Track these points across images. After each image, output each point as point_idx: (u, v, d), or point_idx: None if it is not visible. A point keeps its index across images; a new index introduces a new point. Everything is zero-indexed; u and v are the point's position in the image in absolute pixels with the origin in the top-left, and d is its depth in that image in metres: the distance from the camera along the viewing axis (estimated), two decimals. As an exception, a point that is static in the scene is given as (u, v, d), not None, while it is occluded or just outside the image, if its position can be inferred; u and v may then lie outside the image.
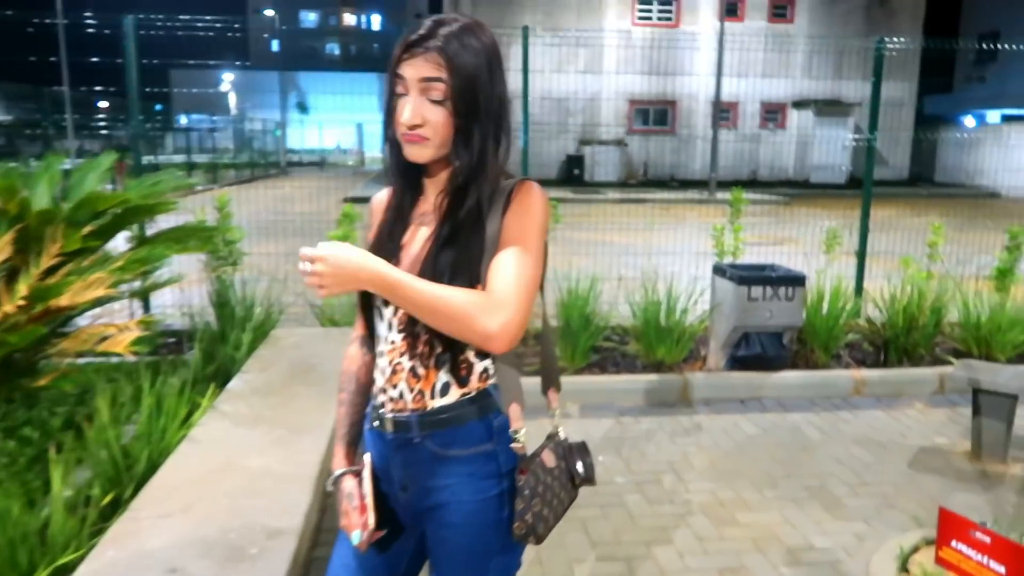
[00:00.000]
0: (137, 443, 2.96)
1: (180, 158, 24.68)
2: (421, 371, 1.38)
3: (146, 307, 5.52)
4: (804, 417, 4.41)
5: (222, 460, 2.66)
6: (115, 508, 2.59)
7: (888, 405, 4.63)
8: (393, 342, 1.41)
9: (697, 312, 5.10)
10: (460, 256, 1.33)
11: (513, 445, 1.39)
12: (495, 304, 1.26)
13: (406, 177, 1.44)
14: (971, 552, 2.64)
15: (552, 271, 5.24)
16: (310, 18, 69.86)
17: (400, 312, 1.38)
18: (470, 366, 1.38)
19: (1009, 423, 3.80)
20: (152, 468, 2.81)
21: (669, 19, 24.96)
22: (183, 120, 29.59)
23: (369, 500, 1.45)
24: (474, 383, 1.39)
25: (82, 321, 4.10)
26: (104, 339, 3.15)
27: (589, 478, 1.49)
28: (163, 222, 4.41)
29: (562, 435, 1.51)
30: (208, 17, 7.24)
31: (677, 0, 24.89)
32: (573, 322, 4.89)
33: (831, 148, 24.44)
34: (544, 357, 1.57)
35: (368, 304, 1.47)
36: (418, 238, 1.41)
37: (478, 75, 1.31)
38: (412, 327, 1.37)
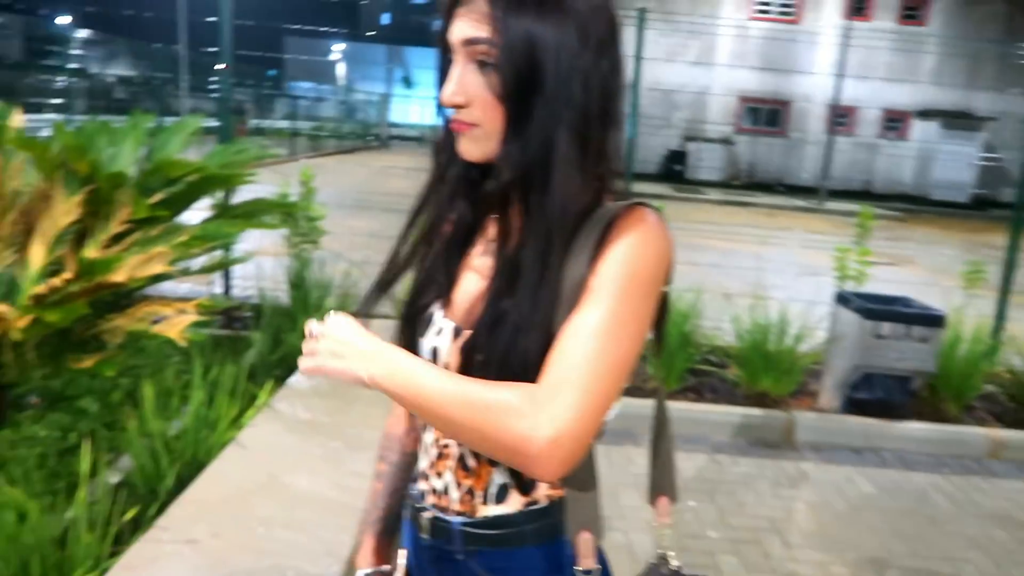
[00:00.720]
0: (183, 438, 2.69)
1: (286, 124, 25.12)
2: (472, 463, 0.97)
3: (226, 278, 5.36)
4: (930, 480, 3.82)
5: (265, 475, 2.36)
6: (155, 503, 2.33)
7: (1031, 474, 3.98)
8: None
9: (810, 341, 4.54)
10: (527, 307, 0.88)
11: None
12: (542, 402, 0.80)
13: (470, 182, 1.00)
14: None
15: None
16: (422, -7, 70.24)
17: (451, 369, 0.96)
18: None
19: None
20: (194, 469, 2.54)
21: (790, 14, 23.66)
22: (291, 87, 30.20)
23: None
24: (542, 491, 0.96)
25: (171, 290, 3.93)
26: (159, 319, 2.90)
27: None
28: (255, 193, 4.17)
29: (673, 564, 1.08)
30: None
31: (801, -5, 23.59)
32: (670, 340, 4.42)
33: (956, 164, 22.73)
34: (657, 451, 1.13)
35: (408, 349, 1.05)
36: (477, 272, 0.99)
37: (546, 35, 0.86)
38: None
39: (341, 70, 46.47)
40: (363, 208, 8.68)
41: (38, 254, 3.06)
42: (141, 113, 4.10)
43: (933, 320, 4.04)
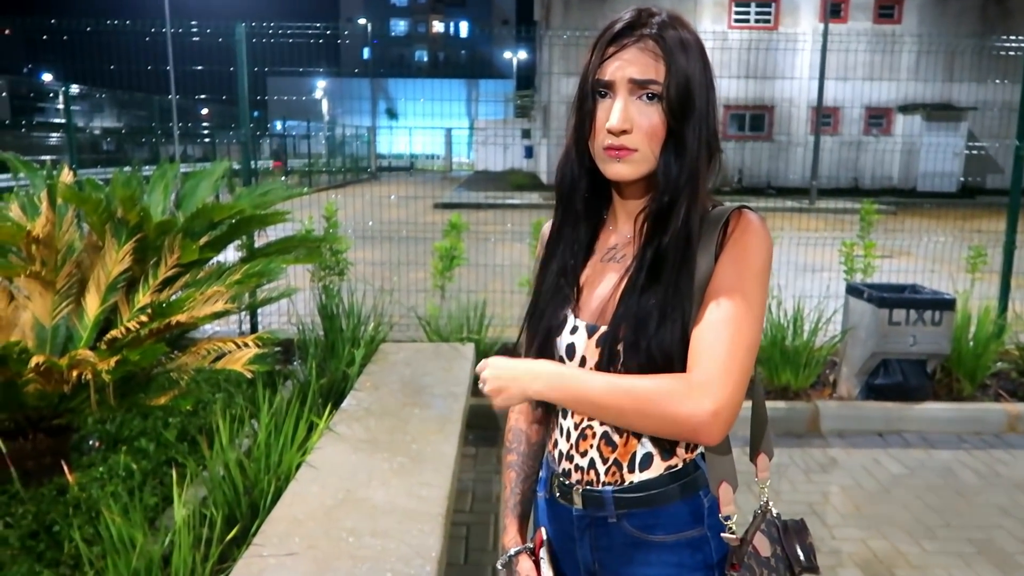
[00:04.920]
0: (254, 465, 2.85)
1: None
2: (617, 438, 1.15)
3: (252, 316, 5.51)
4: (954, 456, 3.99)
5: (343, 491, 2.51)
6: (230, 528, 2.48)
7: (1049, 445, 4.15)
8: None
9: (823, 334, 4.72)
10: (669, 295, 1.07)
11: (725, 535, 1.14)
12: (700, 385, 1.00)
13: (589, 202, 1.20)
14: None
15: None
16: (400, 26, 71.10)
17: (589, 365, 1.15)
18: None
19: None
20: (271, 494, 2.69)
21: (768, 21, 24.14)
22: (278, 126, 30.47)
23: None
24: (680, 454, 1.16)
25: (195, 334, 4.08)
26: (222, 356, 3.06)
27: (812, 567, 1.23)
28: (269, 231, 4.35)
29: (773, 512, 1.26)
30: (314, 25, 7.27)
31: (776, 1, 24.06)
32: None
33: (941, 155, 23.10)
34: (753, 415, 1.32)
35: (544, 352, 1.22)
36: (607, 276, 1.17)
37: (695, 71, 1.08)
38: None
39: (326, 106, 46.91)
40: (366, 239, 8.84)
41: (93, 303, 3.22)
42: (168, 164, 4.29)
43: (944, 304, 4.23)
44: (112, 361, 2.54)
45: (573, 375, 1.08)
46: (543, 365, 1.11)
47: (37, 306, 3.14)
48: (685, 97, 1.06)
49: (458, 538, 3.18)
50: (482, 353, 4.67)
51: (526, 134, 32.58)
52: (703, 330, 1.04)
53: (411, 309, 5.02)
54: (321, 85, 48.57)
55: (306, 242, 4.39)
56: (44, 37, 6.27)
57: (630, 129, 1.07)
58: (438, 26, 72.94)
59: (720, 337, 1.02)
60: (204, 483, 2.82)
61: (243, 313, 5.32)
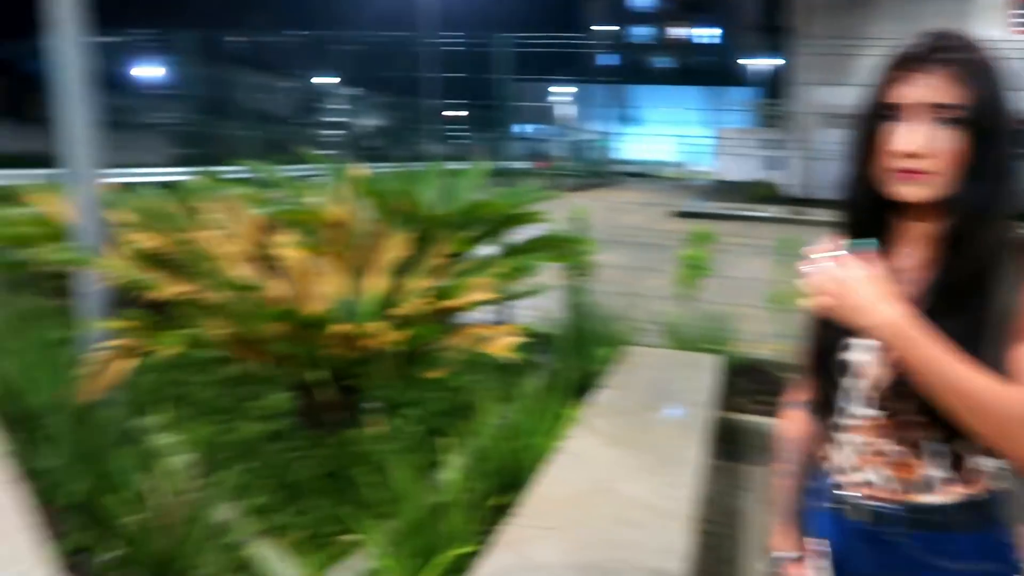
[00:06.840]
0: (509, 444, 3.06)
1: (518, 165, 26.54)
2: (905, 459, 1.14)
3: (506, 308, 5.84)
4: None
5: (595, 480, 2.63)
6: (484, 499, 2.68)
7: None
8: (866, 418, 1.17)
9: None
10: (964, 328, 1.05)
11: None
12: None
13: (871, 223, 1.17)
14: None
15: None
16: (641, 32, 71.12)
17: (883, 385, 1.14)
18: (972, 461, 1.11)
19: None
20: (523, 472, 2.88)
21: (1062, 23, 21.12)
22: (518, 129, 31.83)
23: None
24: (973, 483, 1.12)
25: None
26: (483, 339, 3.32)
27: None
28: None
29: None
30: (561, 36, 7.52)
31: (1076, 0, 20.97)
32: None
33: None
34: None
35: (827, 366, 1.21)
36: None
37: (992, 94, 1.06)
38: (898, 403, 1.12)
39: (565, 111, 48.05)
40: (606, 242, 8.99)
41: (379, 283, 3.62)
42: (434, 164, 4.71)
43: None
44: (402, 334, 2.86)
45: (928, 347, 1.02)
46: (894, 310, 1.04)
47: (330, 282, 3.59)
48: (983, 122, 1.05)
49: (704, 546, 3.17)
50: (728, 366, 4.60)
51: (771, 144, 31.20)
52: None
53: (654, 315, 5.07)
54: (563, 91, 49.86)
55: (563, 242, 4.61)
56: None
57: (925, 152, 1.06)
58: (680, 32, 71.97)
59: None
60: (465, 455, 3.08)
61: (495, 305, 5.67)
